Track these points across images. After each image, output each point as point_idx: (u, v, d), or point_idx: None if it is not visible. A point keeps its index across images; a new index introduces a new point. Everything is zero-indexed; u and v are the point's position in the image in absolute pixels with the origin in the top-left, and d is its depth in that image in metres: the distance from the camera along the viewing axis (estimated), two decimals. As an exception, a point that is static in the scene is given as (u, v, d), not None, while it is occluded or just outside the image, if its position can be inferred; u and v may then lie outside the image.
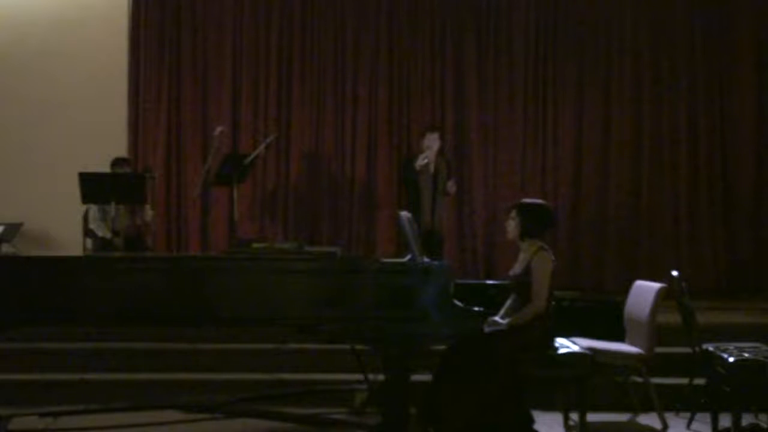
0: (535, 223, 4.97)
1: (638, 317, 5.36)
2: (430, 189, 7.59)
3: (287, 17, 8.68)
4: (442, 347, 4.79)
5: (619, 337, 5.54)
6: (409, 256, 4.56)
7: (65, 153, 8.01)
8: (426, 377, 4.73)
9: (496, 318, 4.84)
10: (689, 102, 8.73)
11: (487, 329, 4.70)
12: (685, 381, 5.47)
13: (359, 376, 5.10)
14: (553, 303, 4.93)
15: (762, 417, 4.96)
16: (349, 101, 8.64)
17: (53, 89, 8.33)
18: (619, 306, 5.72)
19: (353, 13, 8.68)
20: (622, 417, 5.49)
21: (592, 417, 4.88)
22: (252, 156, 7.64)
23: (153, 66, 8.56)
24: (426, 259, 4.54)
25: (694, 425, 5.27)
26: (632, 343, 5.39)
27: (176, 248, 8.42)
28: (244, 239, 7.17)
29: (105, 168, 7.16)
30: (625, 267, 8.41)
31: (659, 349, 5.30)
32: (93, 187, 6.68)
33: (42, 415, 4.91)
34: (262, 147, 7.83)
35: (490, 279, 8.02)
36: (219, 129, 7.80)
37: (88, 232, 7.34)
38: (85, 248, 7.35)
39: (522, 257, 4.96)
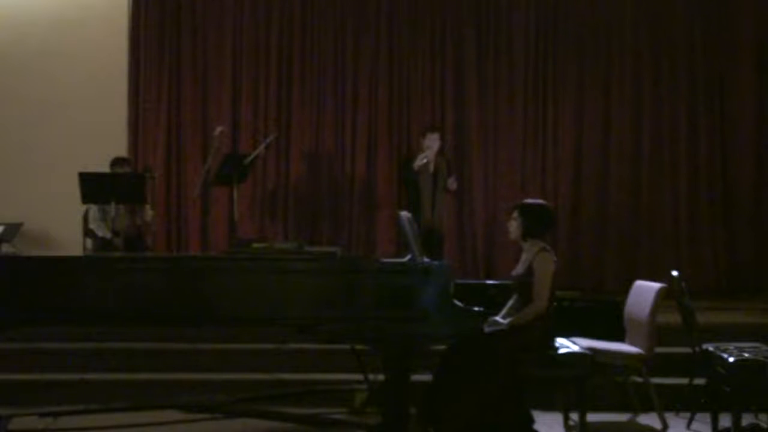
0: (537, 223, 4.97)
1: (638, 317, 5.36)
2: (430, 187, 7.59)
3: (287, 17, 8.68)
4: (442, 347, 4.79)
5: (619, 337, 5.53)
6: (409, 256, 4.56)
7: (65, 153, 8.01)
8: (426, 377, 4.73)
9: (497, 318, 4.84)
10: (689, 102, 8.73)
11: (487, 329, 4.70)
12: (685, 381, 5.47)
13: (359, 376, 5.09)
14: (554, 303, 4.93)
15: (762, 417, 4.96)
16: (349, 101, 8.64)
17: (53, 89, 8.34)
18: (619, 306, 5.72)
19: (353, 13, 8.68)
20: (622, 417, 5.49)
21: (592, 417, 4.88)
22: (252, 156, 7.64)
23: (153, 66, 8.57)
24: (426, 259, 4.54)
25: (694, 425, 5.28)
26: (632, 343, 5.39)
27: (176, 248, 8.42)
28: (244, 239, 7.16)
29: (105, 168, 7.17)
30: (625, 267, 8.41)
31: (659, 349, 5.30)
32: (93, 187, 6.69)
33: (42, 415, 4.90)
34: (262, 147, 7.83)
35: (490, 279, 8.01)
36: (219, 129, 7.80)
37: (88, 232, 7.34)
38: (85, 248, 7.35)
39: (524, 258, 4.96)
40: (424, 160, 7.55)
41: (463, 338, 4.55)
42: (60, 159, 7.95)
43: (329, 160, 8.63)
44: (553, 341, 4.88)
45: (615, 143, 8.71)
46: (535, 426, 4.63)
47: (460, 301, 4.43)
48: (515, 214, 5.00)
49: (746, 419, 4.83)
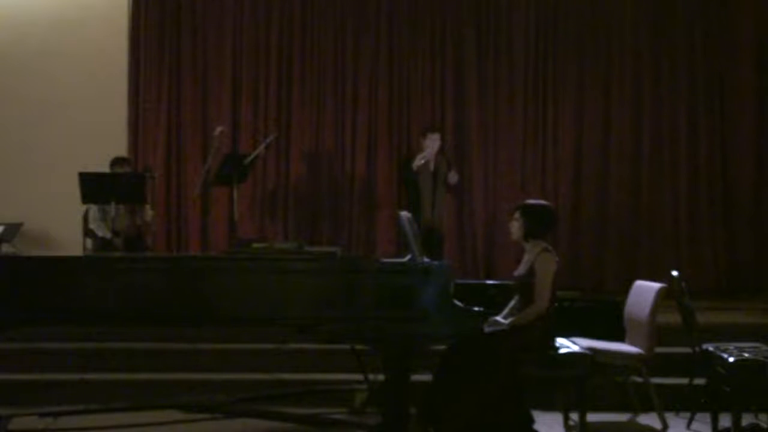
0: (539, 223, 4.97)
1: (638, 317, 5.36)
2: (430, 187, 7.59)
3: (287, 17, 8.68)
4: (442, 347, 4.79)
5: (619, 337, 5.54)
6: (409, 256, 4.56)
7: (65, 153, 8.01)
8: (426, 377, 4.73)
9: (498, 318, 4.84)
10: (689, 102, 8.73)
11: (488, 329, 4.70)
12: (685, 381, 5.47)
13: (359, 376, 5.10)
14: (556, 304, 4.93)
15: (762, 417, 4.96)
16: (349, 101, 8.64)
17: (53, 89, 8.33)
18: (619, 306, 5.72)
19: (353, 13, 8.67)
20: (622, 417, 5.50)
21: (592, 417, 4.88)
22: (252, 156, 7.64)
23: (153, 66, 8.56)
24: (426, 259, 4.54)
25: (694, 425, 5.28)
26: (632, 343, 5.39)
27: (176, 248, 8.42)
28: (244, 239, 7.16)
29: (105, 168, 7.16)
30: (625, 267, 8.41)
31: (659, 349, 5.30)
32: (93, 187, 6.69)
33: (42, 415, 4.90)
34: (262, 147, 7.83)
35: (490, 279, 8.02)
36: (219, 129, 7.79)
37: (88, 232, 7.34)
38: (85, 248, 7.35)
39: (526, 258, 4.96)
40: (423, 161, 7.56)
41: (463, 338, 4.55)
42: (60, 159, 7.95)
43: (329, 160, 8.63)
44: (553, 341, 4.88)
45: (615, 143, 8.70)
46: (535, 426, 4.63)
47: (460, 301, 4.43)
48: (517, 215, 5.00)
49: (746, 419, 4.83)
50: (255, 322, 4.60)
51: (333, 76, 8.65)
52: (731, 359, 4.80)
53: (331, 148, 8.62)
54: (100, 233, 7.20)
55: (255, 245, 5.03)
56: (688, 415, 5.34)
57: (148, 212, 7.38)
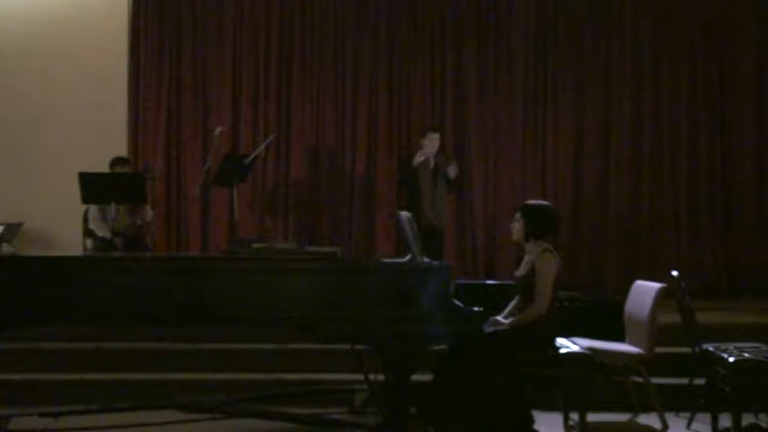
0: (540, 224, 4.96)
1: (638, 317, 5.36)
2: (430, 185, 7.59)
3: (287, 17, 8.68)
4: (442, 347, 4.78)
5: (619, 337, 5.53)
6: (409, 256, 4.56)
7: (65, 153, 8.01)
8: (426, 377, 4.72)
9: (499, 318, 4.84)
10: (689, 102, 8.73)
11: (488, 329, 4.70)
12: (685, 381, 5.46)
13: (359, 376, 5.09)
14: (557, 304, 4.93)
15: (762, 417, 4.96)
16: (349, 101, 8.64)
17: (53, 89, 8.33)
18: (619, 306, 5.72)
19: (353, 13, 8.67)
20: (622, 417, 5.49)
21: (592, 417, 4.88)
22: (252, 156, 7.65)
23: (153, 66, 8.56)
24: (426, 259, 4.53)
25: (694, 425, 5.27)
26: (632, 343, 5.39)
27: (176, 248, 8.41)
28: (244, 239, 7.16)
29: (105, 168, 7.16)
30: (625, 267, 8.40)
31: (659, 349, 5.30)
32: (93, 187, 6.69)
33: (42, 415, 4.89)
34: (262, 147, 7.83)
35: (490, 279, 8.02)
36: (219, 129, 7.79)
37: (88, 232, 7.35)
38: (85, 248, 7.35)
39: (527, 258, 4.95)
40: (422, 158, 7.56)
41: (463, 338, 4.54)
42: (60, 159, 7.95)
43: (329, 160, 8.63)
44: (553, 341, 4.88)
45: (615, 143, 8.70)
46: (535, 426, 4.62)
47: (460, 301, 4.43)
48: (518, 216, 4.99)
49: (746, 419, 4.83)
50: (255, 322, 4.59)
51: (333, 75, 8.65)
52: (731, 359, 4.80)
53: (331, 148, 8.62)
54: (100, 233, 7.20)
55: (255, 245, 5.03)
56: (688, 415, 5.34)
57: (148, 212, 7.38)
